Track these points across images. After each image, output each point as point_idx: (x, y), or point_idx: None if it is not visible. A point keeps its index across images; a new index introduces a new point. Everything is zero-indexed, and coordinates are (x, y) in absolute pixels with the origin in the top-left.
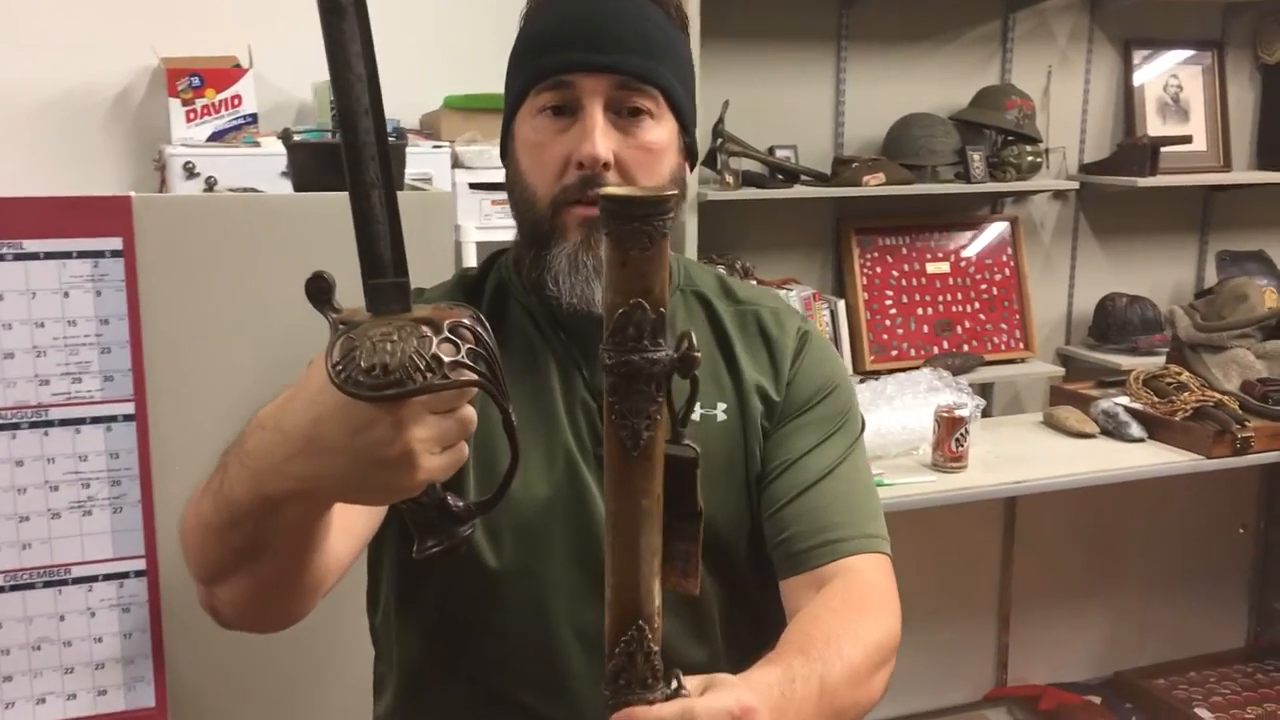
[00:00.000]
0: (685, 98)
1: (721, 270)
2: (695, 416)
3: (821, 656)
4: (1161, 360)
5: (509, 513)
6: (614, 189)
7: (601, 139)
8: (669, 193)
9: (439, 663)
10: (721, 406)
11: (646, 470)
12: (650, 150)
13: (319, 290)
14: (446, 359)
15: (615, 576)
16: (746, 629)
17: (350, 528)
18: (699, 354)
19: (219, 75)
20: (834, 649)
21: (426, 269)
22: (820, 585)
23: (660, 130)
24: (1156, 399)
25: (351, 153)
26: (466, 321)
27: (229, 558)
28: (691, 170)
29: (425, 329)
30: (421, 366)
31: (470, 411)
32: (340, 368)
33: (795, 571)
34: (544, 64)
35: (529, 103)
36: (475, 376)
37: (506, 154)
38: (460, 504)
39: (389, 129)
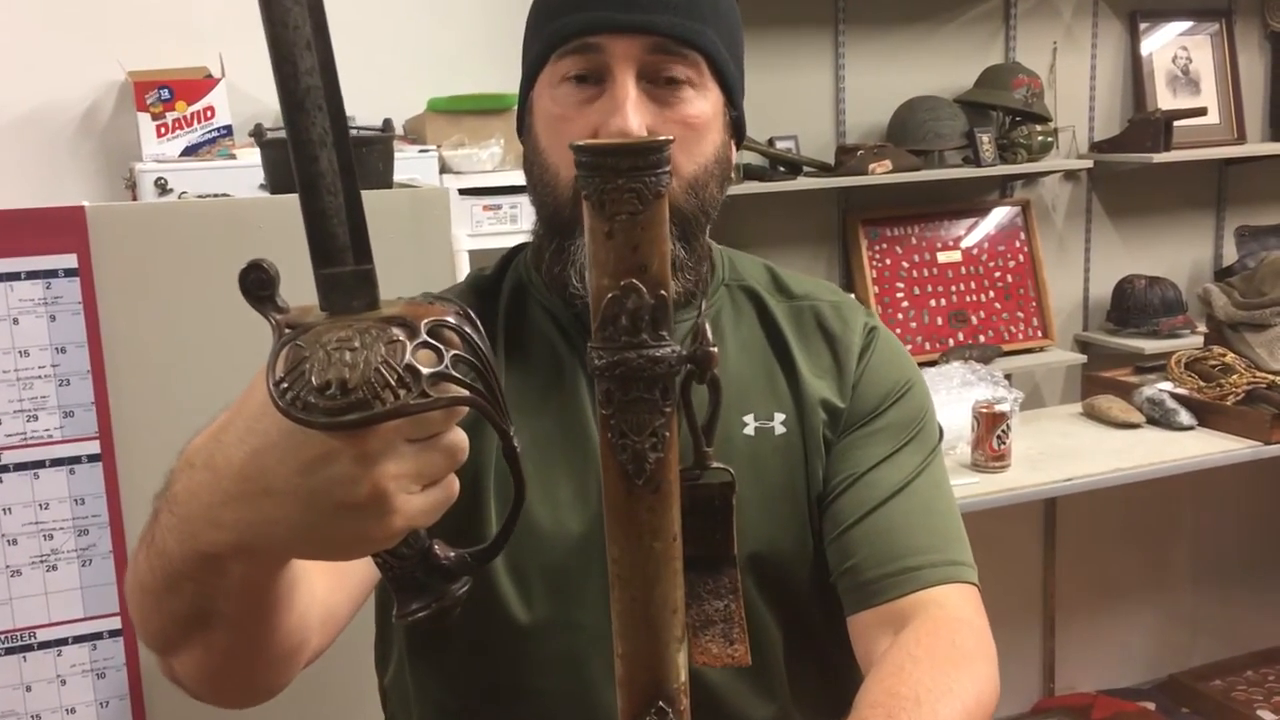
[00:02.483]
0: (731, 64)
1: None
2: (749, 430)
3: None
4: (1185, 342)
5: (538, 554)
6: (589, 140)
7: (634, 112)
8: (661, 139)
9: None
10: (780, 418)
11: (656, 504)
12: (691, 125)
13: (257, 284)
14: (425, 370)
15: (625, 644)
16: (815, 679)
17: (346, 575)
18: (715, 349)
19: (189, 87)
20: (927, 710)
21: (423, 277)
22: (897, 623)
23: (702, 102)
24: (1202, 383)
25: (290, 100)
26: (450, 320)
27: (173, 626)
28: (738, 148)
29: (396, 331)
30: (392, 381)
31: (459, 437)
32: (285, 386)
33: (865, 605)
34: (567, 24)
35: (550, 69)
36: (464, 392)
37: (524, 130)
38: (451, 555)
39: (377, 125)
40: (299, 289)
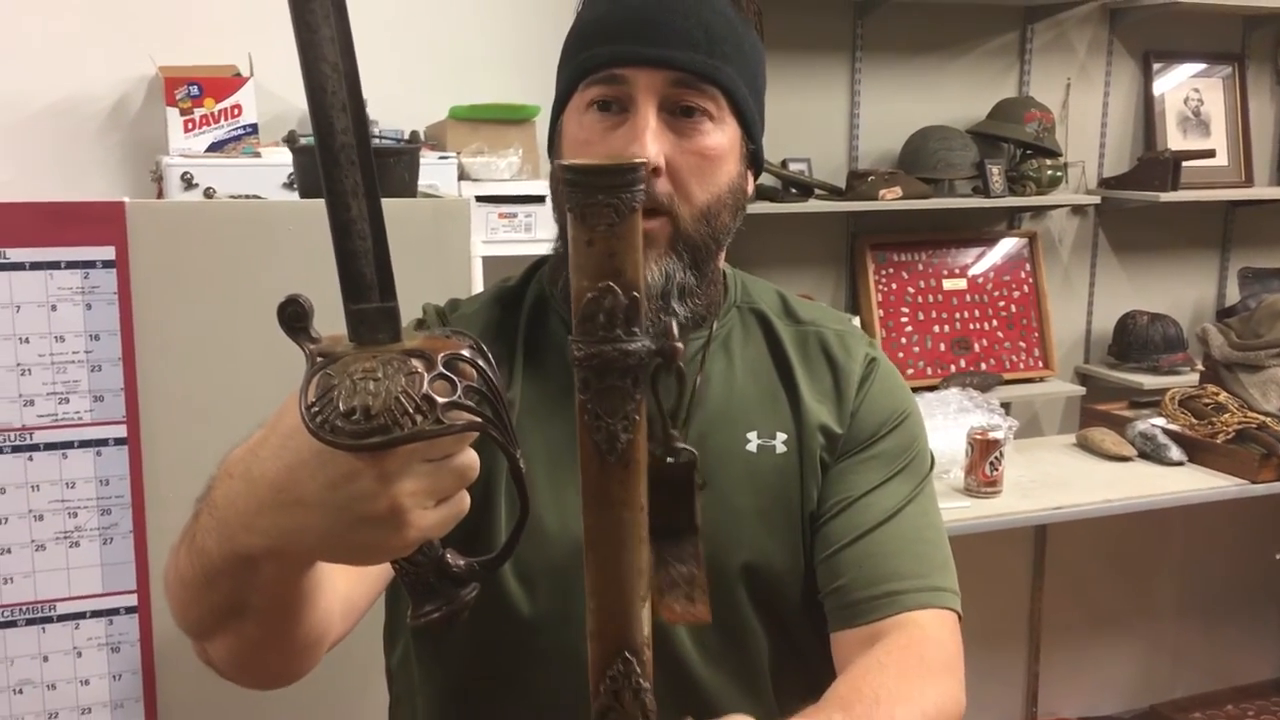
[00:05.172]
0: (750, 98)
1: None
2: (752, 447)
3: (868, 715)
4: (1184, 379)
5: (543, 553)
6: (574, 160)
7: (652, 141)
8: (637, 160)
9: (467, 713)
10: (781, 437)
11: (626, 478)
12: (707, 156)
13: (294, 317)
14: (440, 399)
15: (596, 600)
16: (800, 685)
17: (365, 572)
18: (681, 345)
19: (218, 84)
20: (884, 710)
21: (442, 283)
22: (876, 642)
23: (719, 134)
24: (1195, 420)
25: (327, 155)
26: (465, 354)
27: (209, 616)
28: (755, 180)
29: (415, 363)
30: (410, 409)
31: (470, 458)
32: (316, 410)
33: (849, 624)
34: (594, 55)
35: (578, 96)
36: (474, 419)
37: (553, 151)
38: (461, 563)
39: (402, 136)
40: (322, 288)
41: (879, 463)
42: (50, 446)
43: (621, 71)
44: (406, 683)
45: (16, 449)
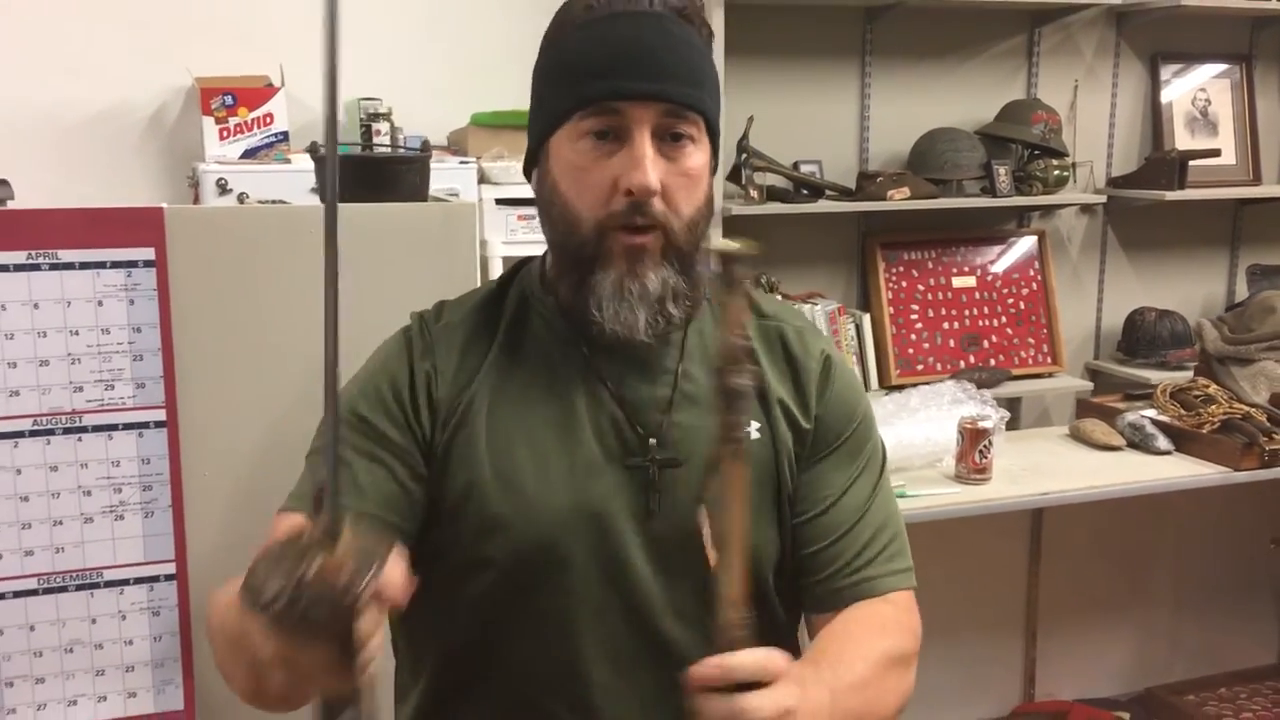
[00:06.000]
0: (718, 118)
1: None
2: None
3: (832, 667)
4: (1192, 375)
5: (530, 523)
6: (721, 244)
7: (651, 169)
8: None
9: (464, 674)
10: (755, 425)
11: (741, 470)
12: (691, 175)
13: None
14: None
15: (729, 573)
16: None
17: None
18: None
19: (251, 94)
20: (845, 663)
21: (448, 281)
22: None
23: (700, 155)
24: (1183, 412)
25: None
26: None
27: (241, 670)
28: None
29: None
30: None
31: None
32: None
33: (826, 610)
34: (595, 88)
35: (571, 125)
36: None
37: (537, 170)
38: None
39: (416, 143)
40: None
41: (848, 460)
42: (98, 429)
43: (619, 105)
44: (410, 646)
45: (67, 430)
